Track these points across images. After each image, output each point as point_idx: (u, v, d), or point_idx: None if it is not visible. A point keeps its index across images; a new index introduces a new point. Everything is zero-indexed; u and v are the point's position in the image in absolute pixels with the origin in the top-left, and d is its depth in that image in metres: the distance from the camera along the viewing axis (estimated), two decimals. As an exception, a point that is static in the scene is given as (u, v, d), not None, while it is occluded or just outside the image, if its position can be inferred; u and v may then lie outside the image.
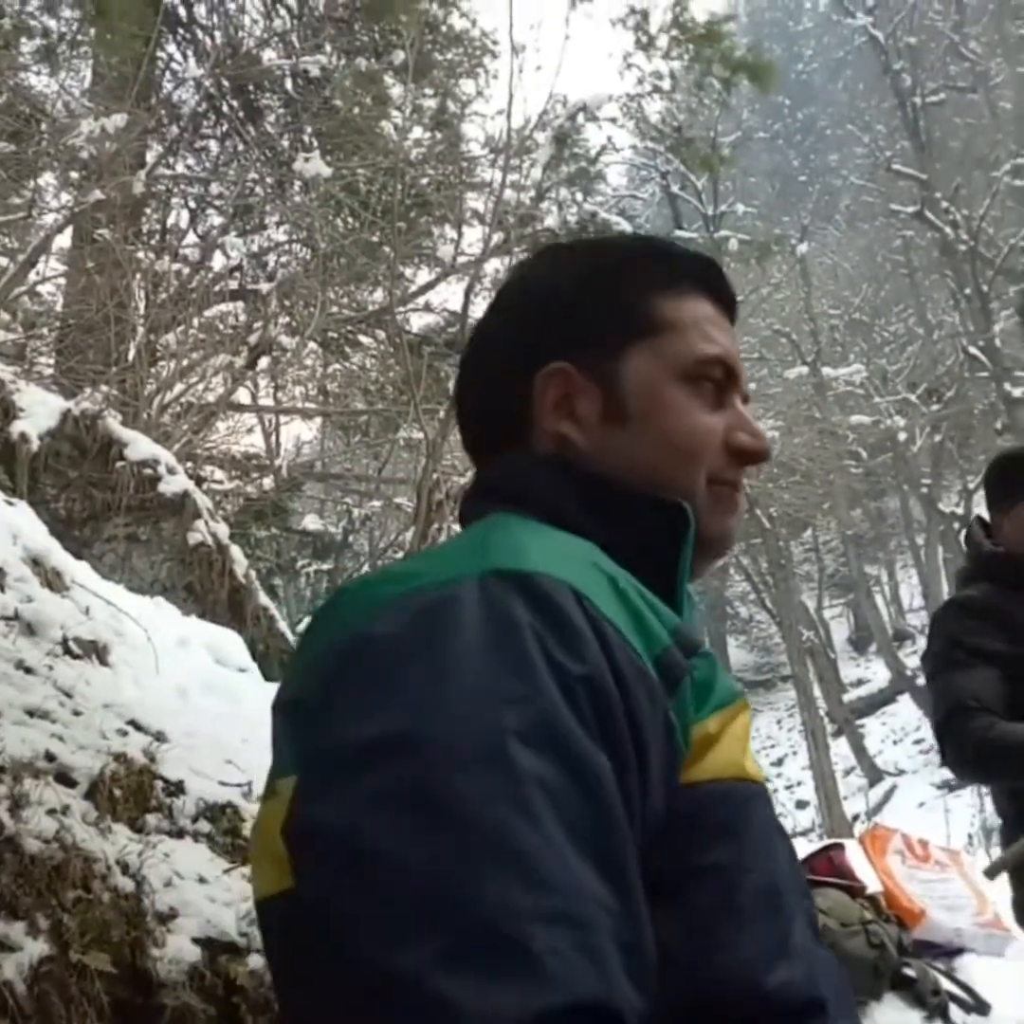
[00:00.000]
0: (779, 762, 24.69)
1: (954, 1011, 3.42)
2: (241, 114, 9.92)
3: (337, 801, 0.63)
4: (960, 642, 2.47)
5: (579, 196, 10.81)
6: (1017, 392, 17.18)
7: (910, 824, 10.79)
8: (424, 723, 0.63)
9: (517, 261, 1.08)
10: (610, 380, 0.89)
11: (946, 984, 3.47)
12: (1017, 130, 19.23)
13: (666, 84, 9.29)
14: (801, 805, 20.84)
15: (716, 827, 0.72)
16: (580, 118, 9.87)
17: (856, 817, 18.03)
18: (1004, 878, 2.60)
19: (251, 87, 9.75)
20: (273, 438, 10.89)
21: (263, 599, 5.12)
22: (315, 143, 9.52)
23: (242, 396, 9.17)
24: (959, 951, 3.70)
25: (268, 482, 9.27)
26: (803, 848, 4.39)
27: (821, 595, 28.19)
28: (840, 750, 21.18)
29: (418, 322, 10.53)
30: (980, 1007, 3.44)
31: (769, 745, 25.92)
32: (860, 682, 26.47)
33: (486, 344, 0.96)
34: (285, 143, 10.09)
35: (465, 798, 0.61)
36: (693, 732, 0.73)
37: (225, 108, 9.99)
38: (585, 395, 0.88)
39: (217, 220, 10.16)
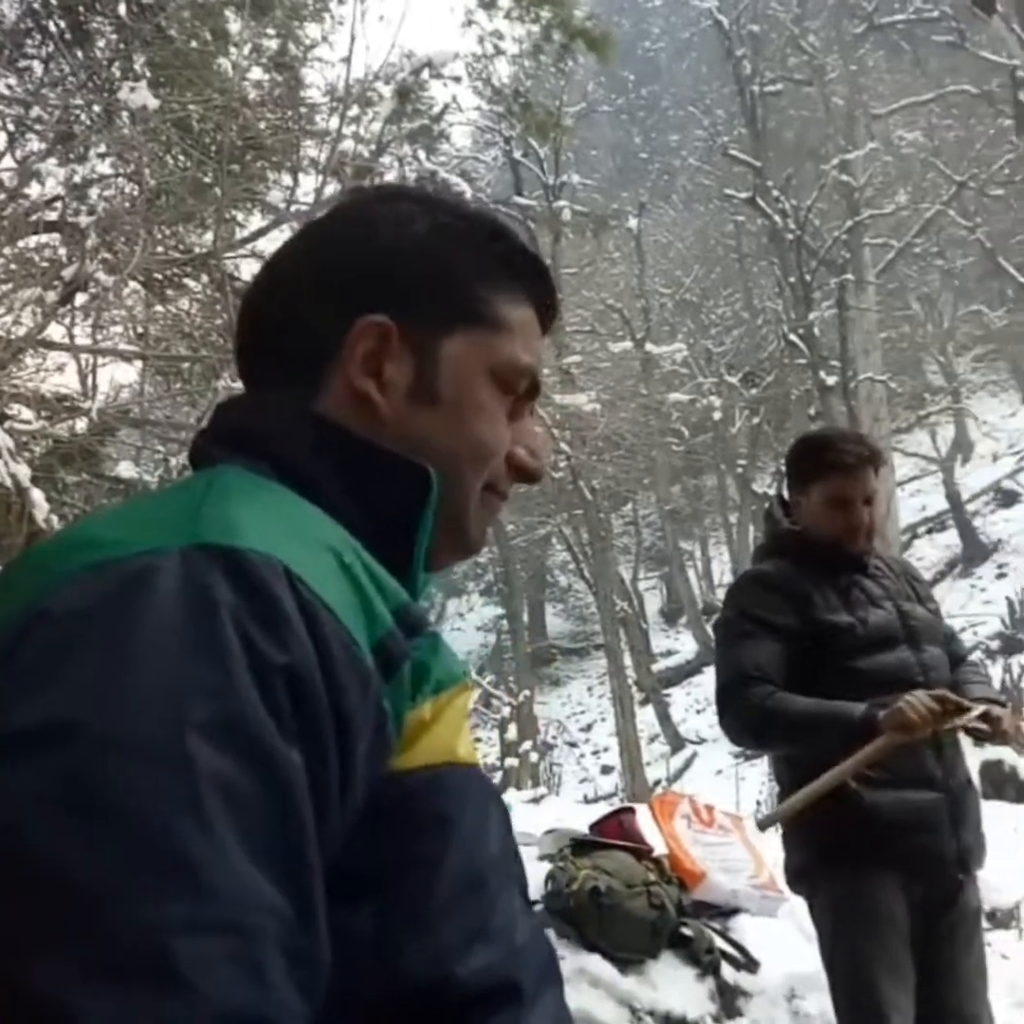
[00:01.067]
0: (588, 728, 25.27)
1: (726, 968, 3.58)
2: (68, 36, 9.41)
3: None
4: (750, 613, 2.57)
5: (421, 154, 10.69)
6: (831, 380, 17.90)
7: (707, 790, 11.19)
8: (94, 711, 0.58)
9: (354, 189, 0.99)
10: (428, 356, 0.85)
11: (720, 943, 3.63)
12: (847, 126, 19.95)
13: (506, 45, 9.27)
14: (606, 770, 21.37)
15: (423, 815, 0.70)
16: (425, 74, 9.75)
17: (658, 782, 18.63)
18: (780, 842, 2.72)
19: (80, 8, 9.26)
20: (89, 380, 10.45)
21: (63, 545, 4.90)
22: (147, 74, 9.12)
23: (58, 333, 8.77)
24: (735, 911, 3.87)
25: (80, 425, 8.88)
26: (602, 812, 4.51)
27: (637, 567, 28.89)
28: (646, 718, 21.82)
29: (248, 269, 10.24)
30: (750, 965, 3.61)
31: (579, 711, 26.50)
32: (669, 653, 27.29)
33: (308, 268, 0.88)
34: (116, 72, 9.64)
35: (130, 796, 0.56)
36: (407, 718, 0.70)
37: (51, 27, 9.46)
38: (397, 362, 0.84)
39: (38, 146, 9.65)
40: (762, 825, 2.66)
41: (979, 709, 2.40)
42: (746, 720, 2.49)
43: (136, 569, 0.64)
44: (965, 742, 2.65)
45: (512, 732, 13.49)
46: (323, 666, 0.64)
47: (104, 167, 9.48)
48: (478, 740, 22.90)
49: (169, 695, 0.59)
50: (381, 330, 0.84)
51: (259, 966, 0.56)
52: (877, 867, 2.44)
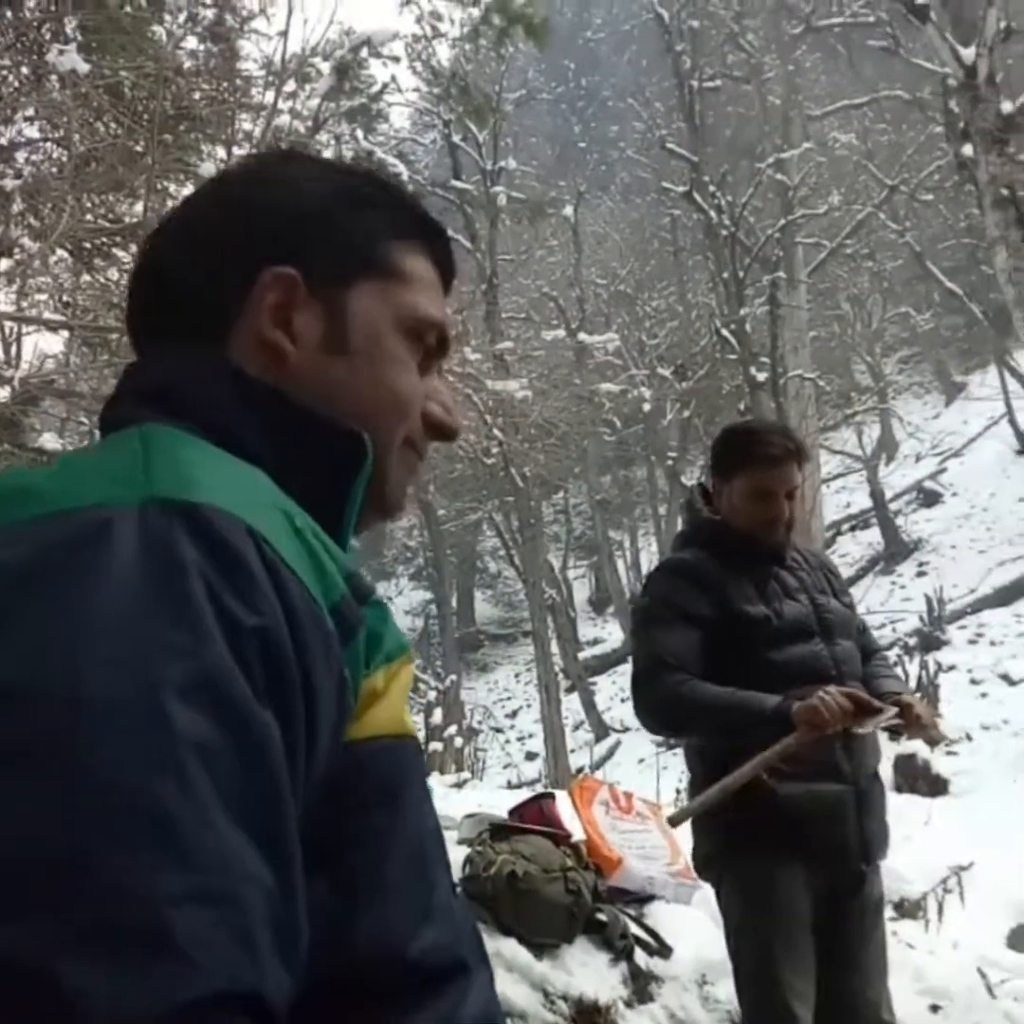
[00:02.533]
0: (513, 714, 25.36)
1: (639, 954, 3.60)
2: (-4, -6, 9.16)
3: None
4: (668, 601, 2.57)
5: (359, 133, 10.58)
6: (761, 377, 18.06)
7: (630, 778, 11.28)
8: (63, 671, 0.55)
9: (252, 154, 1.01)
10: (336, 305, 0.84)
11: (634, 929, 3.65)
12: (782, 125, 20.12)
13: (444, 27, 9.22)
14: (530, 756, 21.46)
15: (375, 788, 0.69)
16: (364, 52, 9.64)
17: (580, 769, 18.73)
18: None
19: (9, -34, 9.01)
20: (13, 348, 10.23)
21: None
22: (78, 37, 8.91)
23: (-22, 300, 8.55)
24: (650, 898, 3.90)
25: (3, 394, 8.68)
26: (524, 798, 4.51)
27: (567, 556, 29.05)
28: (571, 705, 21.95)
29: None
30: (662, 951, 3.64)
31: (506, 697, 26.57)
32: (596, 641, 27.46)
33: (209, 225, 0.86)
34: (46, 34, 9.41)
35: (106, 758, 0.53)
36: (362, 687, 0.69)
37: (-21, -14, 9.20)
38: (306, 312, 0.82)
39: (-37, 107, 9.39)
40: (673, 821, 2.66)
41: (891, 711, 2.44)
42: (660, 707, 2.49)
43: (91, 522, 0.60)
44: (881, 737, 2.69)
45: (437, 716, 13.46)
46: (291, 630, 0.62)
47: (32, 131, 9.23)
48: (402, 725, 22.85)
49: (142, 656, 0.56)
50: (288, 281, 0.82)
51: (252, 939, 0.53)
52: (783, 857, 2.47)
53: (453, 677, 16.15)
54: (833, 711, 2.29)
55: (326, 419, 0.79)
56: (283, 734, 0.60)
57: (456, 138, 19.85)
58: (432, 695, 14.45)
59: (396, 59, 9.71)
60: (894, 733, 2.67)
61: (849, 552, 25.21)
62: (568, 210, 22.71)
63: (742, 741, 2.42)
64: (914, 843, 4.89)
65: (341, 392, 0.82)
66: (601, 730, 22.24)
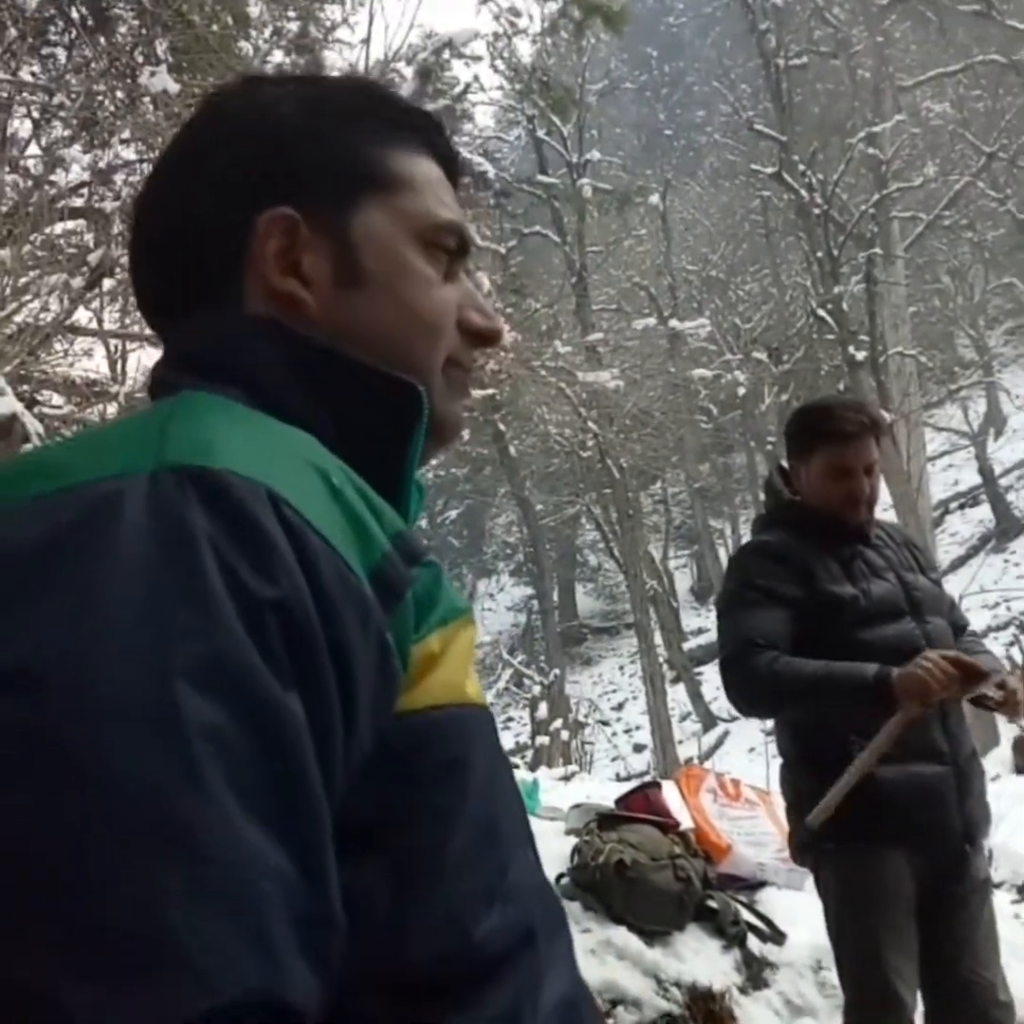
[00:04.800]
0: (620, 707, 25.33)
1: (752, 940, 3.59)
2: (90, 22, 9.45)
3: None
4: (752, 583, 2.55)
5: (444, 134, 10.67)
6: (860, 355, 17.73)
7: (739, 767, 11.19)
8: (59, 657, 0.51)
9: (210, 91, 0.90)
10: (341, 235, 0.77)
11: (746, 915, 3.64)
12: (873, 99, 19.69)
13: (523, 22, 9.25)
14: (638, 749, 21.43)
15: (436, 761, 0.64)
16: (446, 54, 9.72)
17: (689, 760, 18.64)
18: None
19: (101, -7, 9.29)
20: (118, 365, 10.56)
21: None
22: (168, 59, 9.15)
23: (85, 319, 8.85)
24: (761, 884, 3.88)
25: (111, 409, 8.97)
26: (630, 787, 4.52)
27: (667, 546, 28.82)
28: (678, 696, 21.84)
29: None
30: (776, 937, 3.62)
31: (611, 690, 26.55)
32: (700, 631, 27.24)
33: (186, 178, 0.79)
34: (138, 57, 9.68)
35: (106, 752, 0.49)
36: (413, 653, 0.63)
37: (74, 14, 9.50)
38: (312, 250, 0.77)
39: (64, 133, 9.71)
40: (812, 824, 2.57)
41: (997, 677, 2.37)
42: (753, 686, 2.45)
43: (98, 496, 0.57)
44: (999, 718, 2.63)
45: (543, 711, 13.53)
46: (317, 599, 0.57)
47: (128, 152, 9.52)
48: (510, 719, 22.98)
49: (147, 639, 0.52)
50: (286, 223, 0.77)
51: (265, 939, 0.49)
52: (883, 840, 2.43)
53: (557, 671, 16.23)
54: (939, 679, 2.22)
55: (376, 372, 0.75)
56: (313, 714, 0.55)
57: (541, 133, 19.90)
58: (537, 690, 14.52)
59: (478, 58, 9.79)
60: (989, 710, 2.59)
61: (959, 531, 24.64)
62: (655, 198, 22.58)
63: (842, 712, 2.39)
64: (1035, 825, 4.78)
65: (369, 327, 0.77)
66: (708, 720, 22.10)
